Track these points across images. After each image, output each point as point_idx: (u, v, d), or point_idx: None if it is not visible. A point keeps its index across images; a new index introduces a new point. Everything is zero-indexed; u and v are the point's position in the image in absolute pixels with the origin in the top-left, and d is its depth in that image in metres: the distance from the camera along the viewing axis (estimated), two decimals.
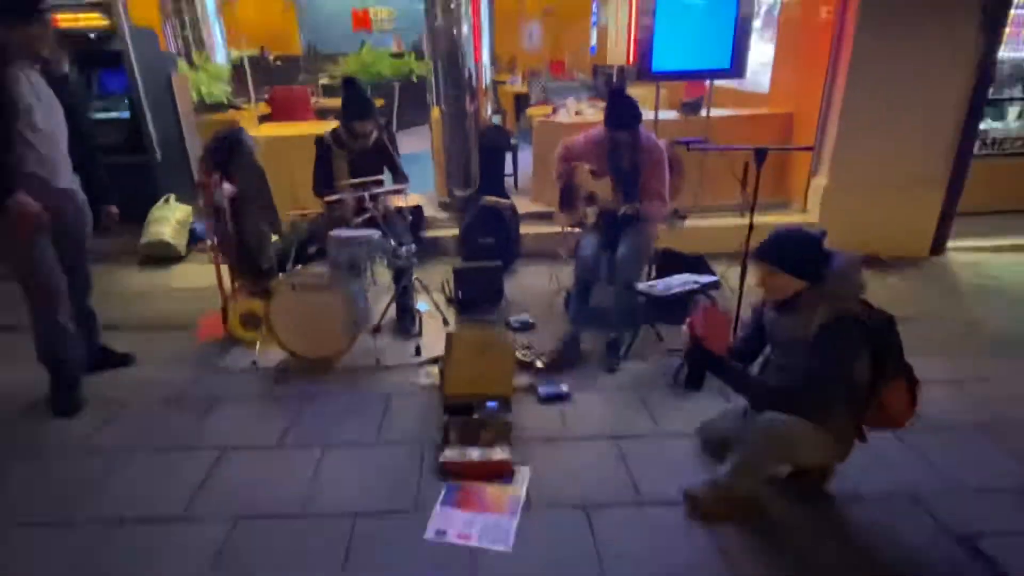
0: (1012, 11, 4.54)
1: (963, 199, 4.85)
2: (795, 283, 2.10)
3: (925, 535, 2.16)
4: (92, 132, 3.09)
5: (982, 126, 5.13)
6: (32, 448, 2.67)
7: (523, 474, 2.45)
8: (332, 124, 3.85)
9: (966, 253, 4.93)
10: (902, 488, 2.37)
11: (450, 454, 2.49)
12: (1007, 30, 4.59)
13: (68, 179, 2.83)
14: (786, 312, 2.17)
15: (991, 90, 5.27)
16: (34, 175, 2.61)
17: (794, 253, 2.10)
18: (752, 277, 2.23)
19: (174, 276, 4.57)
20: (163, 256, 4.70)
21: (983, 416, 2.84)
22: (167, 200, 4.88)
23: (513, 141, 5.99)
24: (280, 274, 3.58)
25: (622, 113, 3.31)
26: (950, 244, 4.97)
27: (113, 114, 4.67)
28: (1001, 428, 2.75)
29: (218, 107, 6.57)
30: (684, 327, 2.34)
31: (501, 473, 2.44)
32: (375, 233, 3.38)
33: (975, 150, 4.85)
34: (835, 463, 2.24)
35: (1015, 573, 1.98)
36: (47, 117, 2.66)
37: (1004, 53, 4.98)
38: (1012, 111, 5.68)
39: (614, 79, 5.22)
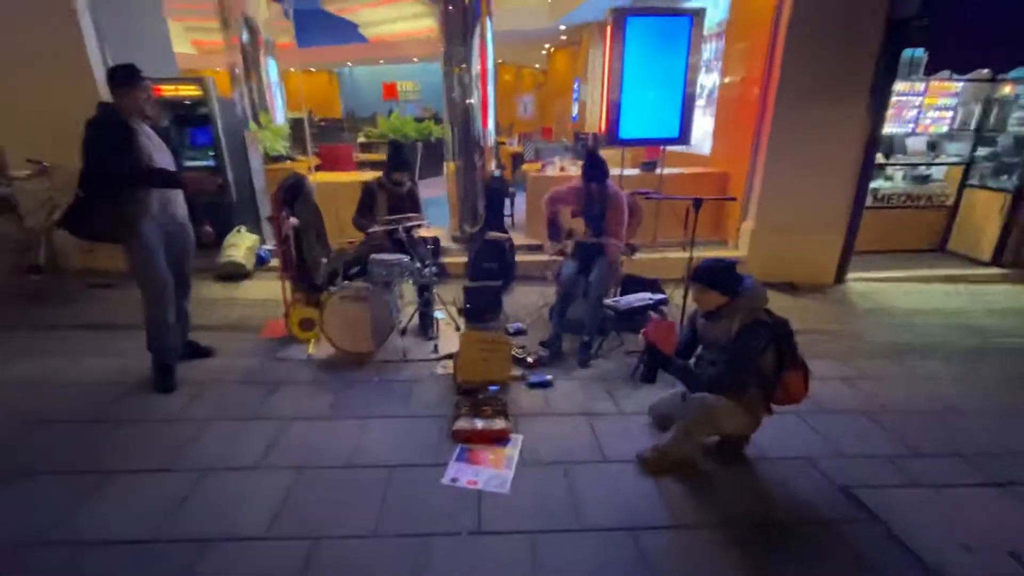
0: (892, 98, 4.81)
1: (858, 241, 4.98)
2: (719, 298, 2.33)
3: (816, 486, 2.34)
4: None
5: (873, 184, 5.33)
6: (140, 416, 2.79)
7: (517, 439, 2.60)
8: (369, 174, 3.95)
9: (861, 283, 5.06)
10: (800, 453, 2.55)
11: (461, 423, 2.64)
12: (889, 112, 4.85)
13: (180, 208, 3.02)
14: (713, 320, 2.38)
15: (885, 157, 5.58)
16: (155, 202, 2.84)
17: (718, 275, 2.33)
18: (690, 295, 2.43)
19: (243, 290, 4.67)
20: (235, 274, 4.80)
21: (865, 404, 3.02)
22: (239, 230, 5.01)
23: (512, 189, 6.10)
24: (330, 287, 3.73)
25: (594, 169, 3.50)
26: (849, 275, 5.08)
27: (200, 162, 4.83)
28: (878, 413, 2.93)
29: (279, 158, 6.73)
30: (640, 336, 2.49)
31: (500, 438, 2.58)
32: (405, 257, 3.55)
33: (868, 203, 5.01)
34: (750, 432, 2.43)
35: (880, 512, 2.17)
36: (161, 160, 2.88)
37: (888, 129, 5.24)
38: (898, 174, 5.94)
39: (590, 143, 5.43)
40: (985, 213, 5.49)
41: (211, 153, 4.87)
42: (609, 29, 4.55)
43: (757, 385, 2.32)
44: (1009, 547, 1.99)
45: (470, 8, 4.79)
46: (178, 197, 3.00)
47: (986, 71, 3.82)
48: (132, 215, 2.77)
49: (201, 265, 4.73)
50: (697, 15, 4.55)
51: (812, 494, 2.29)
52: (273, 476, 2.33)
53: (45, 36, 4.31)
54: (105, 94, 4.44)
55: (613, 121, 4.76)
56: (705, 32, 4.89)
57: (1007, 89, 5.43)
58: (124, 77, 2.73)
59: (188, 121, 4.81)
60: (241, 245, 4.92)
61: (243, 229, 5.07)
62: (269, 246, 5.30)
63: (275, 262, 5.09)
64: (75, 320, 3.97)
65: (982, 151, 5.66)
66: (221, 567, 1.88)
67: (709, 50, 5.91)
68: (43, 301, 4.32)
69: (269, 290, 4.57)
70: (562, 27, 11.26)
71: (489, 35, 4.98)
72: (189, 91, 4.63)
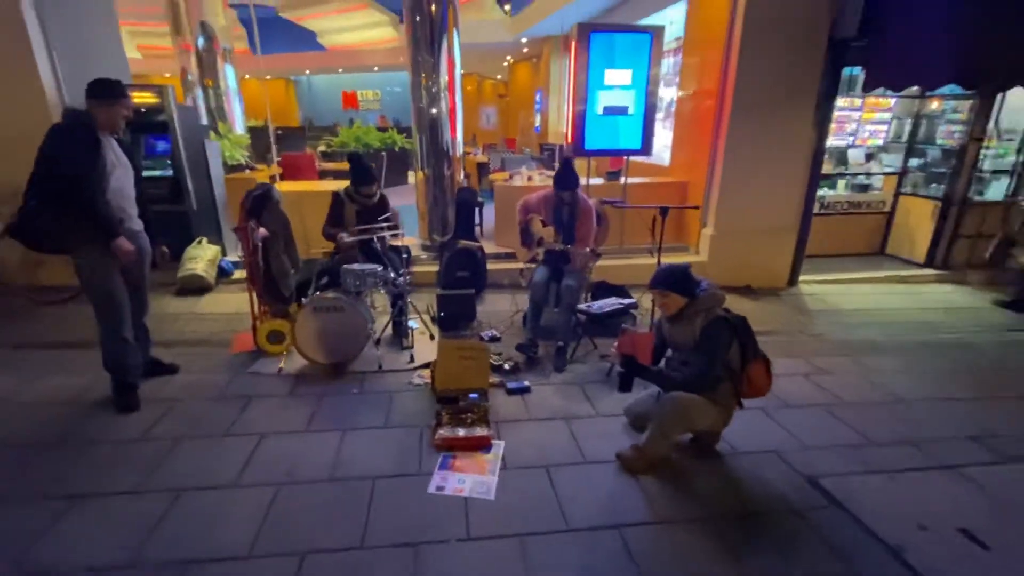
0: (834, 113, 5.13)
1: (809, 245, 5.24)
2: (680, 300, 2.44)
3: (785, 477, 2.46)
4: (143, 187, 3.05)
5: (820, 192, 5.65)
6: (105, 437, 2.65)
7: (499, 445, 2.62)
8: (333, 183, 3.77)
9: (812, 285, 5.33)
10: (768, 447, 2.68)
11: (444, 432, 2.64)
12: (832, 126, 5.18)
13: (135, 223, 2.90)
14: (677, 323, 2.49)
15: (830, 167, 5.93)
16: (111, 213, 2.70)
17: (675, 279, 2.46)
18: (658, 301, 2.53)
19: (205, 304, 4.49)
20: (196, 287, 4.62)
21: (825, 399, 3.19)
22: (200, 242, 4.83)
23: (480, 199, 6.16)
24: (301, 299, 3.65)
25: (568, 178, 3.57)
26: (801, 278, 5.34)
27: (158, 172, 4.61)
28: (836, 406, 3.11)
29: (238, 168, 6.56)
30: (613, 349, 2.58)
31: (482, 445, 2.59)
32: (378, 267, 3.52)
33: (816, 210, 5.32)
34: (721, 427, 2.54)
35: (843, 499, 2.30)
36: (121, 176, 2.76)
37: (830, 142, 5.57)
38: (841, 183, 6.32)
39: (565, 153, 5.51)
40: (918, 219, 5.92)
41: (169, 162, 4.68)
42: (574, 44, 4.68)
43: (726, 380, 2.43)
44: (959, 524, 2.16)
45: (437, 20, 4.83)
46: (133, 210, 2.87)
47: (917, 88, 4.14)
48: (86, 226, 2.62)
49: (160, 279, 4.55)
50: (656, 33, 4.74)
51: (782, 485, 2.41)
52: (252, 493, 2.26)
53: None
54: (53, 103, 4.26)
55: (579, 133, 4.88)
56: (664, 48, 5.08)
57: (935, 104, 5.91)
58: (109, 91, 2.63)
59: (144, 129, 4.61)
60: (202, 258, 4.74)
61: (204, 240, 4.88)
62: (232, 257, 5.13)
63: (239, 274, 4.94)
64: (24, 339, 3.73)
65: (914, 162, 6.12)
66: None
67: (667, 65, 6.15)
68: None
69: (234, 303, 4.43)
70: (524, 40, 11.45)
71: (456, 46, 5.03)
72: (145, 98, 4.44)
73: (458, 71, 5.13)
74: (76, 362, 3.32)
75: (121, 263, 2.73)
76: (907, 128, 6.14)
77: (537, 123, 13.03)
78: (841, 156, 6.19)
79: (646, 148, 5.06)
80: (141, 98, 4.42)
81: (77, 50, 4.49)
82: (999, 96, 5.24)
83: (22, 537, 2.00)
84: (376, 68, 15.48)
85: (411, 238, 5.53)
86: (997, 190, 5.72)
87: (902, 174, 6.14)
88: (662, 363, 2.65)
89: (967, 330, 4.34)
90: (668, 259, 3.50)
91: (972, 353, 3.90)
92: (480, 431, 2.66)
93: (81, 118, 2.62)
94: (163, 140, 4.62)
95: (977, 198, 5.64)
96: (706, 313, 2.39)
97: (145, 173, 4.44)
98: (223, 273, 4.92)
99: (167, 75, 11.43)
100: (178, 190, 4.72)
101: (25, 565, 1.88)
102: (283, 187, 5.58)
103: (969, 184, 5.55)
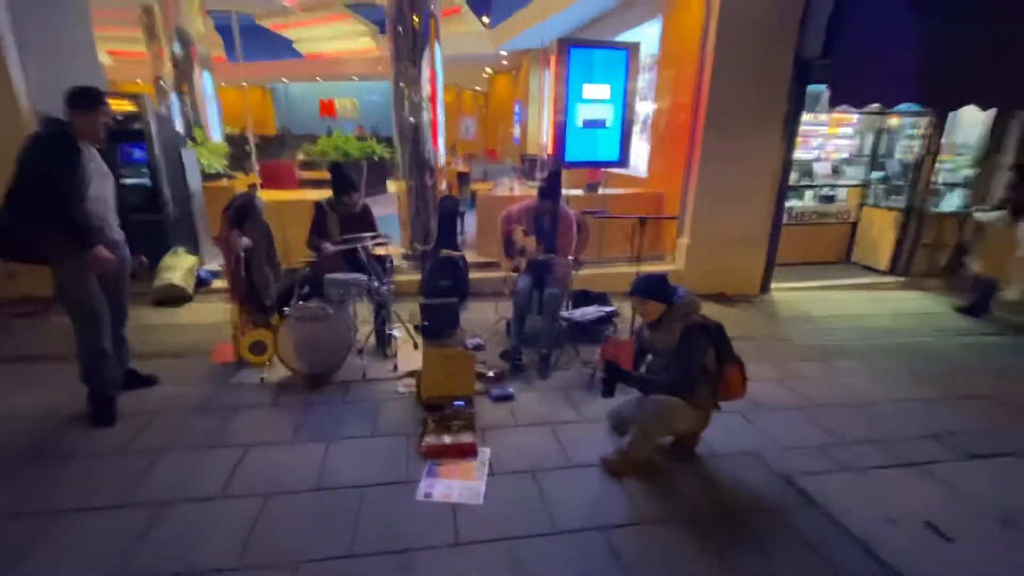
0: (801, 127, 5.33)
1: (779, 254, 5.42)
2: (659, 307, 2.52)
3: (762, 477, 2.55)
4: (123, 196, 3.02)
5: (788, 203, 5.89)
6: (84, 451, 2.59)
7: (485, 452, 2.65)
8: (313, 192, 3.70)
9: (782, 292, 5.50)
10: (745, 448, 2.77)
11: (430, 440, 2.65)
12: (799, 140, 5.39)
13: (116, 232, 2.86)
14: (657, 329, 2.56)
15: (799, 178, 6.16)
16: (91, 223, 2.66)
17: (653, 287, 2.54)
18: (639, 309, 2.60)
19: (183, 314, 4.42)
20: (174, 297, 4.54)
21: (798, 401, 3.32)
22: (176, 251, 4.75)
23: (461, 208, 6.19)
24: (283, 308, 3.62)
25: (554, 189, 3.63)
26: (773, 285, 5.51)
27: (135, 180, 4.51)
28: (808, 408, 3.24)
29: (216, 176, 6.46)
30: (597, 356, 2.62)
31: (469, 452, 2.61)
32: (362, 276, 3.53)
33: (785, 220, 5.52)
34: (701, 428, 2.61)
35: (817, 496, 2.40)
36: (100, 185, 2.72)
37: (798, 155, 5.82)
38: (808, 193, 6.58)
39: (552, 166, 5.55)
40: (881, 229, 6.20)
41: (145, 170, 4.60)
42: (554, 58, 4.80)
43: (704, 383, 2.51)
44: (924, 517, 2.28)
45: (420, 32, 4.89)
46: (114, 219, 2.84)
47: (878, 105, 4.37)
48: (65, 236, 2.57)
49: (136, 289, 4.43)
50: (633, 49, 4.90)
51: (759, 484, 2.50)
52: (238, 505, 2.24)
53: None
54: (25, 109, 4.16)
55: (559, 146, 5.00)
56: (640, 64, 5.25)
57: (894, 121, 6.23)
58: (87, 99, 2.61)
59: (120, 137, 4.52)
60: (179, 267, 4.66)
61: (181, 250, 4.81)
62: (210, 267, 5.05)
63: (217, 283, 4.86)
64: None
65: (876, 174, 6.42)
66: None
67: (643, 80, 6.33)
68: None
69: (213, 313, 4.36)
70: (503, 53, 11.61)
71: (438, 58, 5.09)
72: (122, 106, 4.37)
73: (440, 83, 5.19)
74: (50, 375, 3.23)
75: (100, 272, 2.68)
76: (869, 142, 6.44)
77: (516, 134, 13.17)
78: (807, 169, 6.45)
79: (623, 160, 5.20)
80: (118, 106, 4.33)
81: (51, 55, 4.39)
82: (951, 114, 5.55)
83: (1, 555, 1.94)
84: (355, 77, 15.44)
85: (393, 247, 5.56)
86: (952, 202, 6.04)
87: (865, 186, 6.43)
88: (643, 368, 2.72)
89: (928, 334, 4.56)
90: (647, 268, 3.59)
91: (932, 356, 4.10)
92: (466, 438, 2.68)
93: (60, 127, 2.58)
94: (139, 148, 4.55)
95: (934, 209, 5.95)
96: (684, 319, 2.47)
97: (122, 181, 4.37)
98: (201, 283, 4.84)
99: (138, 81, 11.19)
100: (155, 199, 4.64)
101: None
102: (263, 196, 5.52)
103: (926, 196, 5.85)
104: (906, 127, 6.09)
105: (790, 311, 5.07)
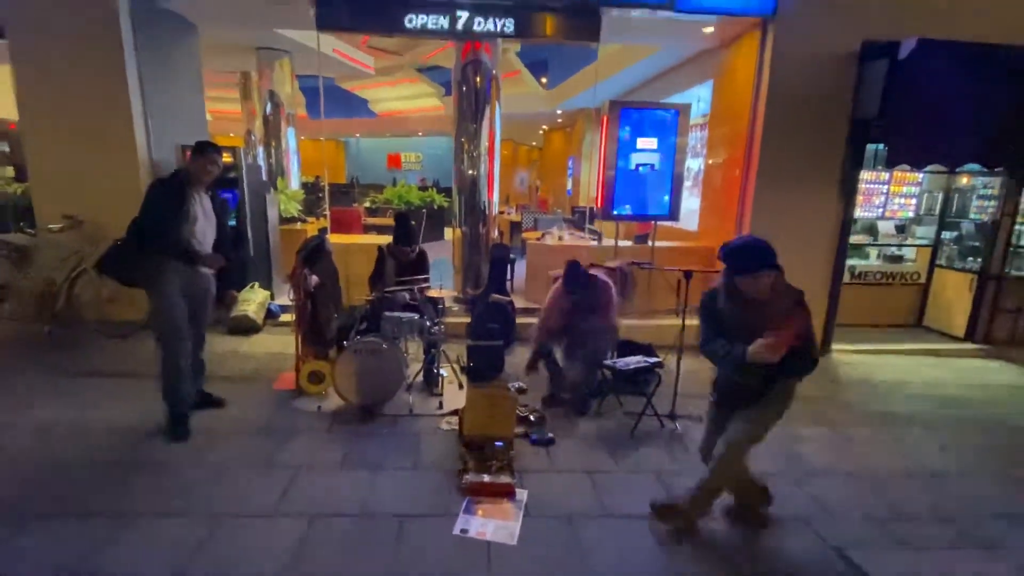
0: (862, 185, 5.25)
1: (841, 315, 5.23)
2: (771, 278, 2.12)
3: (811, 547, 2.42)
4: (229, 238, 3.39)
5: (851, 262, 5.74)
6: (157, 461, 2.85)
7: (522, 493, 2.68)
8: (376, 237, 3.98)
9: (845, 354, 5.26)
10: (796, 514, 2.64)
11: (470, 477, 2.72)
12: (859, 197, 5.29)
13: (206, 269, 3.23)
14: (751, 306, 2.15)
15: (860, 237, 5.97)
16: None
17: (765, 252, 2.16)
18: (752, 287, 2.18)
19: (252, 343, 4.79)
20: (246, 327, 4.95)
21: (855, 468, 3.13)
22: (253, 286, 5.23)
23: (512, 256, 6.41)
24: (343, 343, 3.87)
25: (575, 283, 3.65)
26: (834, 347, 5.29)
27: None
28: (865, 476, 3.05)
29: (292, 220, 7.09)
30: (766, 346, 2.06)
31: (507, 492, 2.66)
32: (415, 315, 3.77)
33: (847, 279, 5.33)
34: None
35: (870, 572, 2.25)
36: (204, 227, 3.13)
37: (859, 213, 5.69)
38: (873, 252, 6.33)
39: (597, 215, 5.48)
40: (955, 292, 5.84)
41: (234, 213, 5.15)
42: (605, 119, 5.05)
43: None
44: None
45: (481, 92, 5.32)
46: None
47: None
48: (161, 264, 2.98)
49: (213, 318, 4.88)
50: (682, 110, 5.08)
51: (806, 553, 2.37)
52: (287, 524, 2.38)
53: (96, 112, 4.72)
54: (144, 161, 4.85)
55: (608, 200, 5.15)
56: (690, 123, 5.41)
57: (964, 180, 5.98)
58: (199, 146, 3.09)
59: (217, 184, 5.11)
60: (253, 300, 5.10)
61: (256, 285, 5.27)
62: (280, 301, 5.48)
63: (285, 317, 5.26)
64: (90, 368, 4.06)
65: (947, 235, 6.12)
66: None
67: (694, 138, 6.47)
68: (58, 349, 4.43)
69: (279, 343, 4.71)
70: (559, 111, 12.19)
71: (497, 116, 5.48)
72: (224, 158, 4.97)
73: (498, 138, 5.56)
74: (133, 391, 3.60)
75: (216, 268, 3.16)
76: (939, 201, 6.18)
77: (569, 187, 13.58)
78: (871, 227, 6.25)
79: (673, 214, 5.27)
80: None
81: (167, 115, 5.13)
82: None
83: (78, 550, 2.17)
84: (420, 133, 16.60)
85: (446, 290, 5.81)
86: None
87: (935, 246, 6.14)
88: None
89: (1005, 407, 4.20)
90: (694, 323, 3.55)
91: (1008, 431, 3.77)
92: (504, 478, 2.73)
93: (177, 173, 3.08)
94: (231, 193, 5.12)
95: (1015, 272, 5.57)
96: (789, 286, 2.11)
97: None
98: (270, 315, 5.26)
99: (231, 135, 12.59)
100: (239, 238, 5.16)
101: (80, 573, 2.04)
102: (332, 239, 5.99)
103: (1005, 258, 5.51)
104: (978, 187, 5.83)
105: (853, 374, 4.84)
